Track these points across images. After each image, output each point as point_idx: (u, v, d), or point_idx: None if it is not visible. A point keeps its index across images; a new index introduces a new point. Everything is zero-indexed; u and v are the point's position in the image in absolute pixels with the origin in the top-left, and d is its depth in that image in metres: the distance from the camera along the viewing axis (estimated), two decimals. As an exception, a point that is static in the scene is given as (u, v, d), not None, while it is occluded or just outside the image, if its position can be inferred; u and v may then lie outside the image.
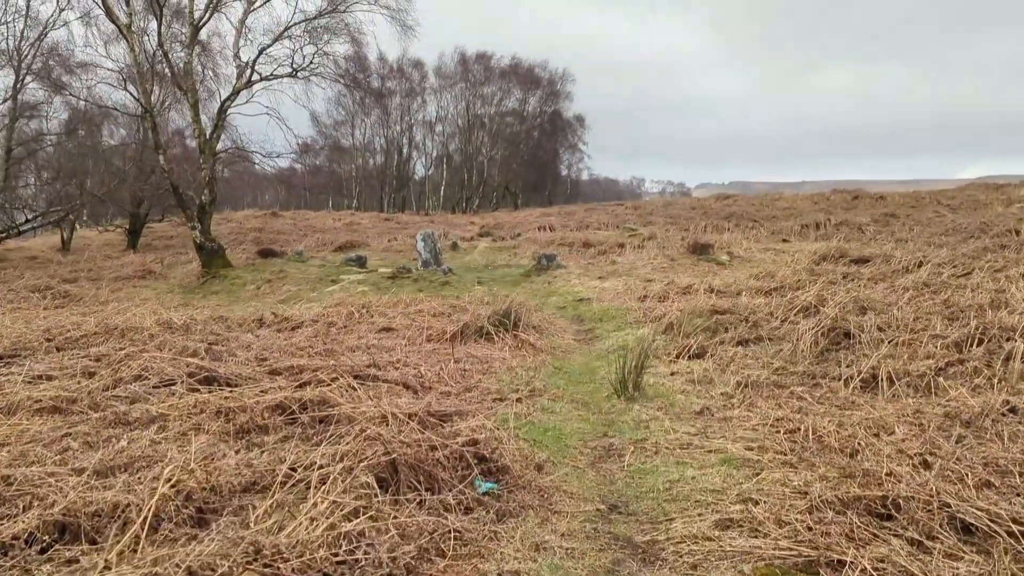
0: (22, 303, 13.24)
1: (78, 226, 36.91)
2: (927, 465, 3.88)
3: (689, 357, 7.31)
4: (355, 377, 5.96)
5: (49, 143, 24.61)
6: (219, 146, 18.59)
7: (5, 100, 21.71)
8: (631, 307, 11.05)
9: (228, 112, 17.80)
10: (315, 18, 17.84)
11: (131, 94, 18.07)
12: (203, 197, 17.40)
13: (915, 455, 4.07)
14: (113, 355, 6.04)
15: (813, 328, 7.50)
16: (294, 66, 16.89)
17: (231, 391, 5.14)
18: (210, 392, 5.14)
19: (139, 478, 3.39)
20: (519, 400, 5.89)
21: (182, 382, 5.39)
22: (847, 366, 6.52)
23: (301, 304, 14.05)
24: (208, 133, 17.34)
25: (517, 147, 66.67)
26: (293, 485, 3.34)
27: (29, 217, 28.00)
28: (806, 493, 3.64)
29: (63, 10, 20.73)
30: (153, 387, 5.34)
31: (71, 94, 20.75)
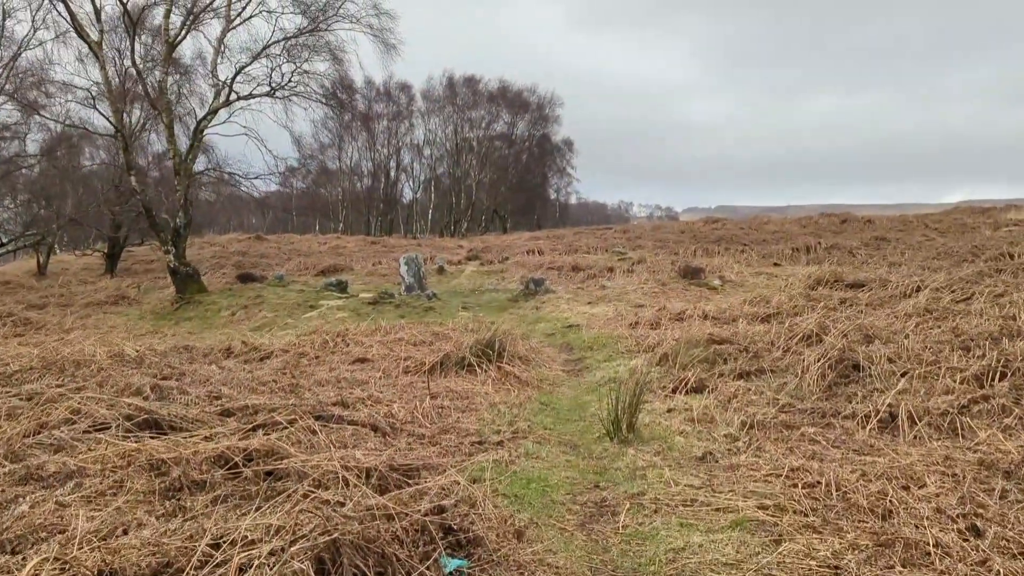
0: (-22, 331, 12.52)
1: (58, 250, 36.03)
2: (977, 532, 3.30)
3: (687, 392, 6.72)
4: (317, 418, 5.33)
5: (24, 165, 23.91)
6: (198, 167, 18.03)
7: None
8: (622, 335, 10.48)
9: (205, 132, 17.23)
10: (295, 36, 17.38)
11: (101, 113, 17.47)
12: (177, 220, 16.77)
13: (958, 516, 3.49)
14: (46, 393, 5.38)
15: (819, 359, 6.93)
16: (272, 84, 16.37)
17: (170, 438, 4.51)
18: (147, 439, 4.49)
19: (22, 559, 2.76)
20: (500, 443, 5.27)
21: (117, 426, 4.75)
22: (860, 402, 5.95)
23: (276, 331, 13.40)
24: (184, 154, 16.76)
25: (506, 171, 66.38)
26: (216, 566, 2.71)
27: (4, 241, 27.22)
28: (837, 569, 3.05)
29: (38, 29, 20.17)
30: (83, 432, 4.69)
31: (40, 114, 20.10)
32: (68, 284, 24.48)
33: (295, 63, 16.58)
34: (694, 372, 7.02)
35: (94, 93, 17.26)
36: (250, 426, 4.98)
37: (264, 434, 4.88)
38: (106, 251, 30.35)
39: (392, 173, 67.45)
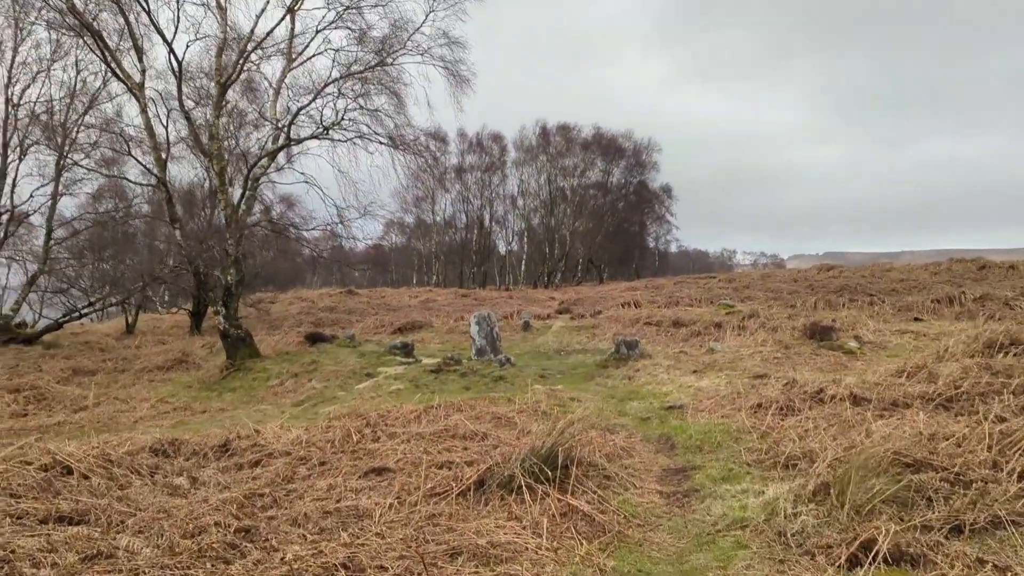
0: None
1: (159, 307, 35.94)
2: None
3: (875, 563, 3.93)
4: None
5: (99, 220, 23.36)
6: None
7: (48, 182, 20.46)
8: (743, 426, 7.68)
9: (260, 180, 15.68)
10: (361, 72, 15.69)
11: (138, 161, 16.23)
12: (228, 278, 15.13)
13: None
14: None
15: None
16: (324, 124, 14.62)
17: None
18: None
19: None
20: None
21: None
22: None
23: (320, 407, 11.36)
24: (236, 204, 15.21)
25: (601, 219, 63.95)
26: None
27: (92, 300, 26.89)
28: None
29: (107, 82, 19.49)
30: None
31: (105, 174, 19.25)
32: (143, 344, 23.55)
33: (349, 98, 14.82)
34: (882, 524, 4.20)
35: (127, 138, 16.04)
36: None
37: None
38: (191, 309, 29.72)
39: (486, 224, 66.30)
